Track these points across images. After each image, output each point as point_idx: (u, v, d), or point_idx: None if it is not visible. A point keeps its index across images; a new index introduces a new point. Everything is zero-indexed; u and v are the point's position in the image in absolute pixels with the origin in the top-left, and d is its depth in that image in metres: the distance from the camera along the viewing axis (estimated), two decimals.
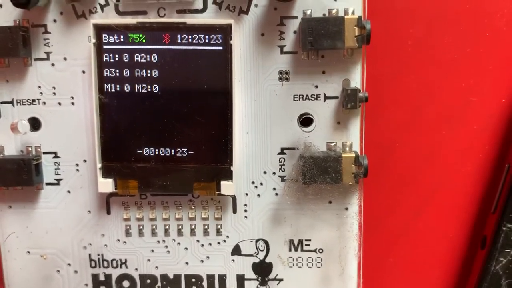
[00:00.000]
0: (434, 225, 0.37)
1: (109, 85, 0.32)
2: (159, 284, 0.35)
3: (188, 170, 0.32)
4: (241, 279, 0.35)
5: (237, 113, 0.32)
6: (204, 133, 0.32)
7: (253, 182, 0.33)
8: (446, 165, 0.36)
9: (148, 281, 0.35)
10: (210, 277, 0.35)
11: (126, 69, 0.31)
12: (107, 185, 0.33)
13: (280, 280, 0.34)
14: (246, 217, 0.34)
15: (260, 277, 0.35)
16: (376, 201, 0.37)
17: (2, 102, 0.33)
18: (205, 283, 0.35)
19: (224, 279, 0.35)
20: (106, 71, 0.32)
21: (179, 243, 0.34)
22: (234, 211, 0.34)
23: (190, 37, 0.31)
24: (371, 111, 0.34)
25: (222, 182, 0.32)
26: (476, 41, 0.35)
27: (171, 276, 0.35)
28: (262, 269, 0.34)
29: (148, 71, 0.31)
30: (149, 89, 0.32)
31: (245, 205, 0.34)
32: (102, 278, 0.35)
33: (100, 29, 0.31)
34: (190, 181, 0.32)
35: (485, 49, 0.35)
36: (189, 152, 0.32)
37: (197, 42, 0.31)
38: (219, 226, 0.34)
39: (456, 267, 0.37)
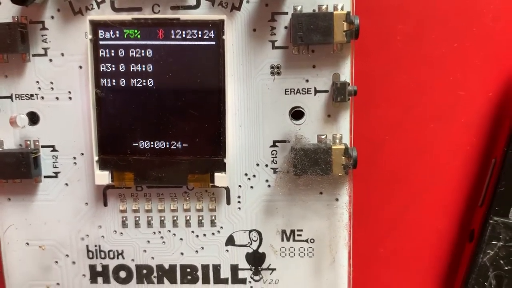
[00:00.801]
0: (423, 218, 0.37)
1: (105, 80, 0.32)
2: (155, 274, 0.36)
3: (183, 163, 0.33)
4: (235, 269, 0.35)
5: (230, 106, 0.33)
6: (198, 126, 0.33)
7: (246, 174, 0.34)
8: (434, 159, 0.37)
9: (144, 271, 0.36)
10: (205, 267, 0.35)
11: (121, 64, 0.32)
12: (103, 177, 0.33)
13: (273, 269, 0.35)
14: (239, 208, 0.35)
15: (253, 267, 0.35)
16: (366, 194, 0.37)
17: (1, 97, 0.34)
18: (199, 273, 0.35)
19: (218, 269, 0.35)
20: (102, 66, 0.32)
21: (174, 234, 0.35)
22: (228, 202, 0.34)
23: (183, 32, 0.32)
24: (360, 105, 0.35)
25: (216, 174, 0.33)
26: (464, 36, 0.36)
27: (167, 266, 0.35)
28: (255, 259, 0.35)
29: (143, 66, 0.32)
30: (144, 84, 0.32)
31: (239, 196, 0.34)
32: (99, 268, 0.36)
33: (96, 25, 0.32)
34: (184, 173, 0.33)
35: (472, 44, 0.36)
36: (184, 144, 0.33)
37: (190, 37, 0.32)
38: (213, 217, 0.35)
39: (445, 259, 0.38)
